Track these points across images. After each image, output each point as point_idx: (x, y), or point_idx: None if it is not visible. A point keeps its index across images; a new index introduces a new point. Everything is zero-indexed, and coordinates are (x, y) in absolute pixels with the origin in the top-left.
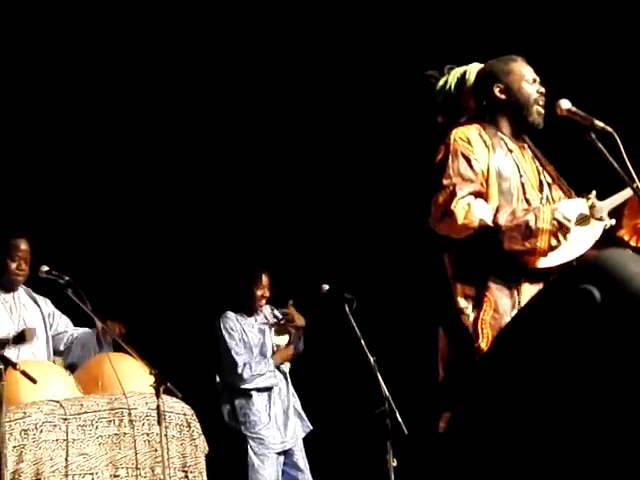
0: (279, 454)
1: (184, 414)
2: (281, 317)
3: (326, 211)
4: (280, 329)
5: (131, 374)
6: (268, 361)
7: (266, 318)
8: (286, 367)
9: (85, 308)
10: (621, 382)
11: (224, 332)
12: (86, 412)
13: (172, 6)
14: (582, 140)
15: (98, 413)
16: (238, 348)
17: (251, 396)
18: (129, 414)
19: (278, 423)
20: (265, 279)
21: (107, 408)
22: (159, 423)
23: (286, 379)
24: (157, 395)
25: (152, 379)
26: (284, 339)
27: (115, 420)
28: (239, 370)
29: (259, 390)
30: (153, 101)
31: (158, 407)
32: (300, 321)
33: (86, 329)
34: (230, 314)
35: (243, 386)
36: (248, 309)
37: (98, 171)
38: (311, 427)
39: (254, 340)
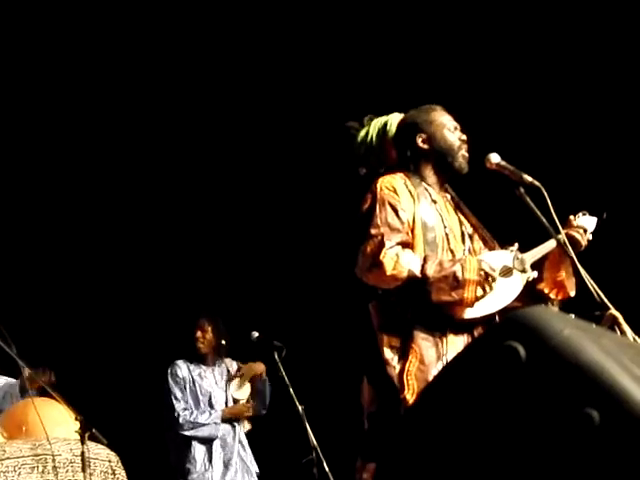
0: None
1: (109, 461)
2: (237, 369)
3: (256, 259)
4: (240, 382)
5: (56, 419)
6: (214, 412)
7: (228, 371)
8: (242, 426)
9: (11, 352)
10: (546, 438)
11: (169, 377)
12: (9, 458)
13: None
14: (507, 191)
15: (21, 459)
16: (179, 394)
17: (190, 444)
18: (53, 460)
19: (215, 473)
20: (205, 322)
21: (30, 454)
22: (83, 470)
23: (234, 432)
24: (82, 441)
25: (77, 425)
26: (244, 393)
27: (39, 467)
28: (175, 414)
29: (198, 440)
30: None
31: (82, 454)
32: (256, 368)
33: (8, 379)
34: (179, 362)
35: (181, 432)
36: (199, 357)
37: (27, 216)
38: None
39: (203, 389)
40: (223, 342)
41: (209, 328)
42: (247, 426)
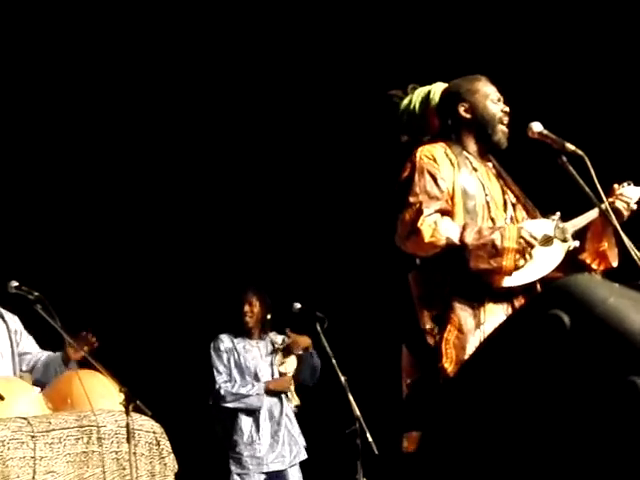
0: (268, 477)
1: (153, 432)
2: (281, 342)
3: (297, 231)
4: (285, 355)
5: (100, 392)
6: (257, 384)
7: (272, 344)
8: (291, 401)
9: (54, 324)
10: (590, 407)
11: (212, 351)
12: (54, 429)
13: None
14: (549, 160)
15: (66, 431)
16: (221, 367)
17: (237, 416)
18: (98, 432)
19: (263, 445)
20: (252, 297)
21: (75, 426)
22: (128, 441)
23: (281, 404)
24: (126, 413)
25: (121, 397)
26: (290, 367)
27: (83, 438)
28: (217, 387)
29: (244, 411)
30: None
31: (127, 425)
32: (303, 341)
33: (50, 352)
34: (223, 336)
35: (223, 404)
36: (245, 331)
37: (73, 181)
38: (305, 456)
39: (247, 362)
40: (268, 316)
41: (257, 302)
42: (296, 401)
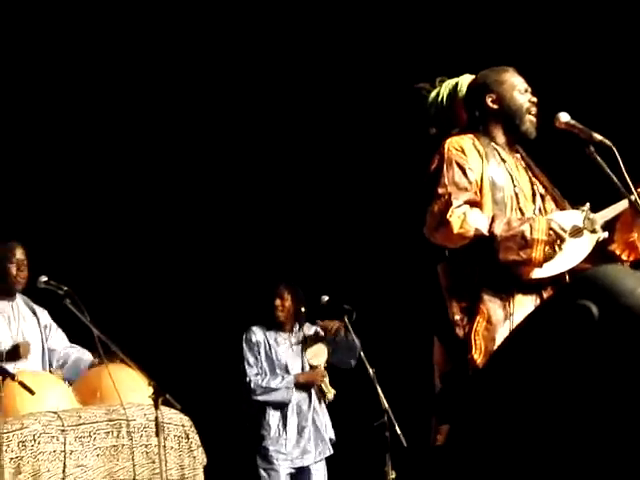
0: (294, 472)
1: (182, 425)
2: (313, 332)
3: (325, 223)
4: (317, 348)
5: (130, 385)
6: (287, 377)
7: (304, 337)
8: (327, 394)
9: (83, 319)
10: (619, 397)
11: (244, 343)
12: (84, 423)
13: (172, 6)
14: (577, 151)
15: (96, 424)
16: (252, 359)
17: (265, 410)
18: (127, 425)
19: (289, 440)
20: (284, 290)
21: (105, 419)
22: (157, 434)
23: (309, 399)
24: (155, 406)
25: (150, 390)
26: (320, 359)
27: (113, 431)
28: (247, 380)
29: (272, 405)
30: (158, 112)
31: (156, 418)
32: (331, 324)
33: (83, 351)
34: (254, 328)
35: (253, 397)
36: (277, 324)
37: (104, 177)
38: (332, 452)
39: (278, 355)
40: (302, 309)
41: (288, 296)
42: (332, 391)
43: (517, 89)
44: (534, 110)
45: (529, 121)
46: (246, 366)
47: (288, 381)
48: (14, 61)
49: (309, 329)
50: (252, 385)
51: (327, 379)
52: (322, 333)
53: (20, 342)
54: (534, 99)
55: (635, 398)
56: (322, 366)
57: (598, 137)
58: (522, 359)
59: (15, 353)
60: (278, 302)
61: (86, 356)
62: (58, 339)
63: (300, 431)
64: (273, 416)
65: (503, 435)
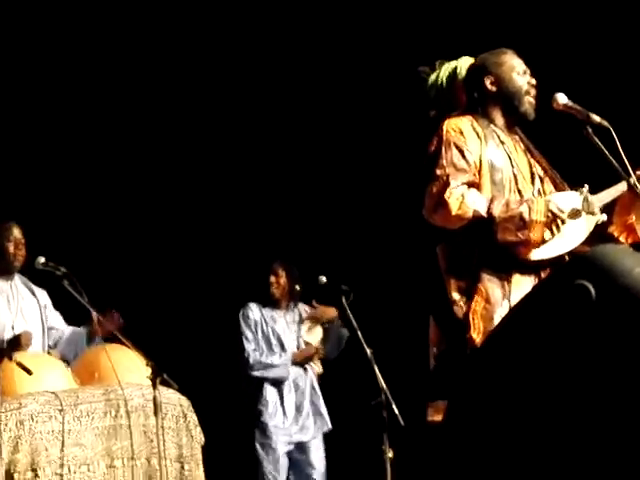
0: (292, 448)
1: (180, 405)
2: (309, 312)
3: (322, 204)
4: (311, 325)
5: (127, 366)
6: (284, 354)
7: (300, 315)
8: (313, 367)
9: (82, 300)
10: (616, 376)
11: (241, 319)
12: (82, 403)
13: (172, 6)
14: (577, 133)
15: (94, 404)
16: (250, 335)
17: (262, 387)
18: (125, 405)
19: (287, 416)
20: (279, 268)
21: (103, 399)
22: (155, 414)
23: (306, 375)
24: (153, 386)
25: (148, 370)
26: (316, 337)
27: (111, 411)
28: (245, 355)
29: (269, 381)
30: (160, 96)
31: (154, 398)
32: (329, 312)
33: (75, 328)
34: (251, 304)
35: (251, 372)
36: (272, 301)
37: (101, 159)
38: (330, 427)
39: (275, 332)
40: (297, 288)
41: (283, 273)
42: (319, 368)
43: (516, 71)
44: (533, 92)
45: (528, 102)
46: (244, 341)
47: (286, 358)
48: (14, 55)
49: (303, 308)
50: (250, 360)
51: (317, 356)
52: (316, 315)
53: (22, 332)
54: (533, 81)
55: (632, 378)
56: (316, 344)
57: (596, 119)
58: (519, 338)
59: (16, 342)
60: (273, 279)
61: (81, 335)
62: (55, 319)
63: (298, 407)
64: (270, 392)
65: (500, 413)
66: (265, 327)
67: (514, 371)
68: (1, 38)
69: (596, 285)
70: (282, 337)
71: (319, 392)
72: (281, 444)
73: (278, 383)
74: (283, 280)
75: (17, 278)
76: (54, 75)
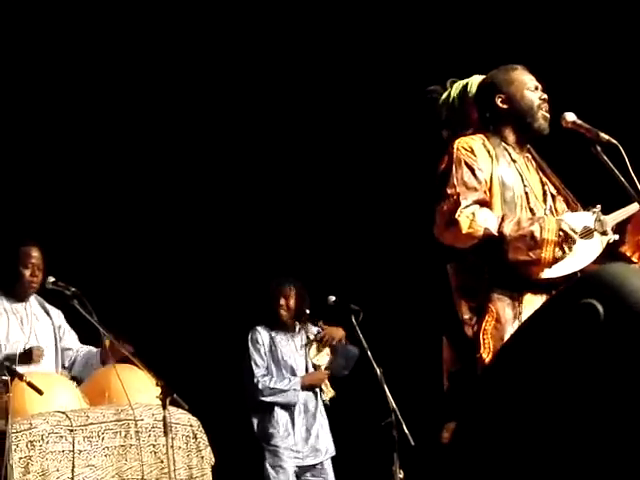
0: (302, 469)
1: (190, 425)
2: (316, 334)
3: (332, 223)
4: (318, 347)
5: (137, 386)
6: (293, 379)
7: (307, 337)
8: (325, 395)
9: (92, 320)
10: (623, 397)
11: (249, 344)
12: (92, 423)
13: (172, 6)
14: (587, 152)
15: (104, 424)
16: (260, 360)
17: (273, 410)
18: (135, 425)
19: (297, 438)
20: (288, 290)
21: (113, 419)
22: (165, 434)
23: (316, 398)
24: (163, 406)
25: (158, 390)
26: (323, 359)
27: (121, 431)
28: (255, 380)
29: (279, 405)
30: (161, 115)
31: (164, 418)
32: (336, 334)
33: (91, 347)
34: (259, 328)
35: (260, 398)
36: (280, 324)
37: (112, 179)
38: (334, 452)
39: (284, 356)
40: (307, 311)
41: (293, 295)
42: (331, 392)
43: (527, 87)
44: (545, 107)
45: (542, 117)
46: (253, 366)
47: (295, 382)
48: (23, 65)
49: (311, 329)
50: (260, 386)
51: (327, 379)
52: (324, 338)
53: (33, 346)
54: (545, 96)
55: (637, 399)
56: (324, 367)
57: (605, 137)
58: (527, 357)
59: (28, 357)
60: (282, 302)
61: (96, 358)
62: (70, 340)
63: (309, 429)
64: (281, 415)
65: (509, 433)
66: (274, 350)
67: (522, 390)
68: (4, 46)
69: (604, 304)
70: (291, 361)
71: (325, 416)
72: (291, 465)
73: (288, 406)
74: (292, 303)
75: (32, 299)
76: (61, 87)
